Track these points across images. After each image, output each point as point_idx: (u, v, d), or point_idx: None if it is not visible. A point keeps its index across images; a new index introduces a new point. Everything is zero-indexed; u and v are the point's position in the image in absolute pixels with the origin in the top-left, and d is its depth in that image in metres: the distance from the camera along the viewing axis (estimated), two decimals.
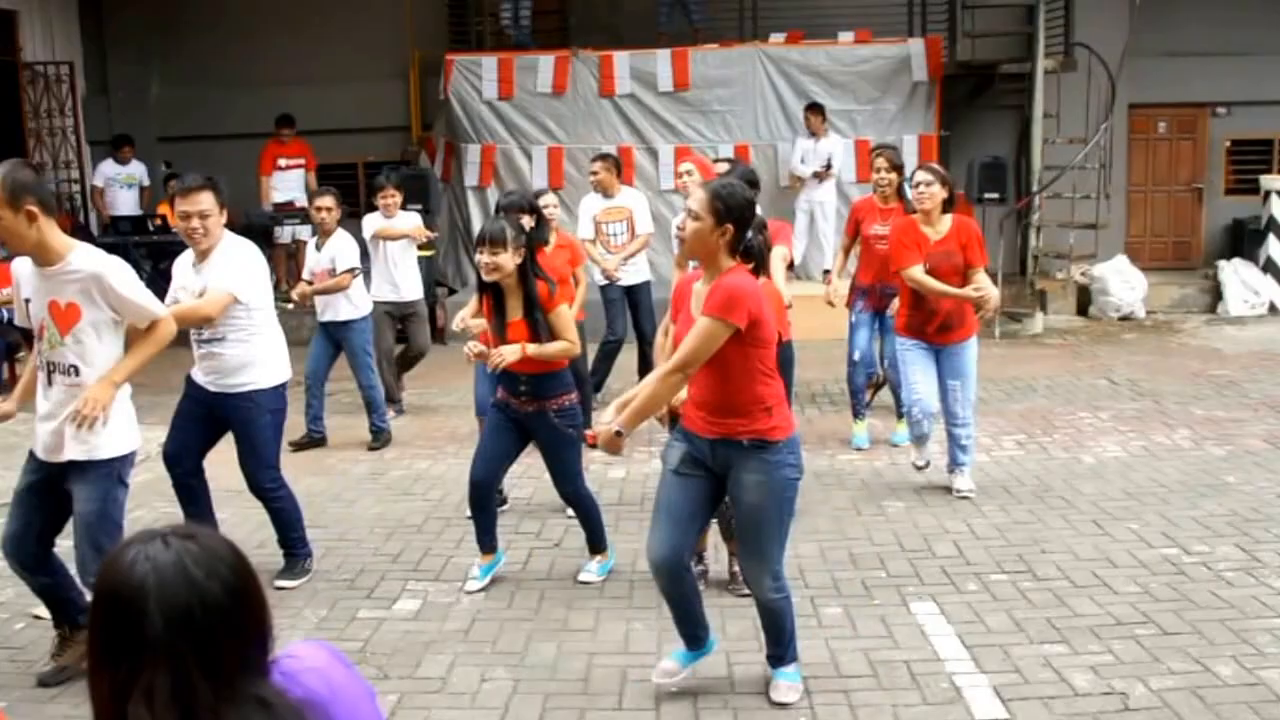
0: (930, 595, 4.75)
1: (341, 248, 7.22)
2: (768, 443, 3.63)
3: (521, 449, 4.98)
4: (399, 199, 8.08)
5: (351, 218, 7.42)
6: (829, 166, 10.96)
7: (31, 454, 4.09)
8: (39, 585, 4.16)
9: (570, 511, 5.71)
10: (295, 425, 7.26)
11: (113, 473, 3.96)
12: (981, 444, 6.94)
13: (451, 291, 11.56)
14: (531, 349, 4.64)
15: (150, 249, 11.04)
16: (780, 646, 3.91)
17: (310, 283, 7.23)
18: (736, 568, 4.81)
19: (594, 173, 8.02)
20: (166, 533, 1.40)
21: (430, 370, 8.40)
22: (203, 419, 4.90)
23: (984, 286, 5.74)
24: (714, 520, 4.69)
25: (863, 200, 7.11)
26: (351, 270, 7.19)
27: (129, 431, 4.02)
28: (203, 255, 4.70)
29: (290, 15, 12.98)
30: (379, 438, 7.35)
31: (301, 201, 11.73)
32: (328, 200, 7.25)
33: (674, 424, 4.04)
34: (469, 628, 4.55)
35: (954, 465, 6.08)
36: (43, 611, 4.66)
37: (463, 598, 4.84)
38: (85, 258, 3.85)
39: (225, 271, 4.65)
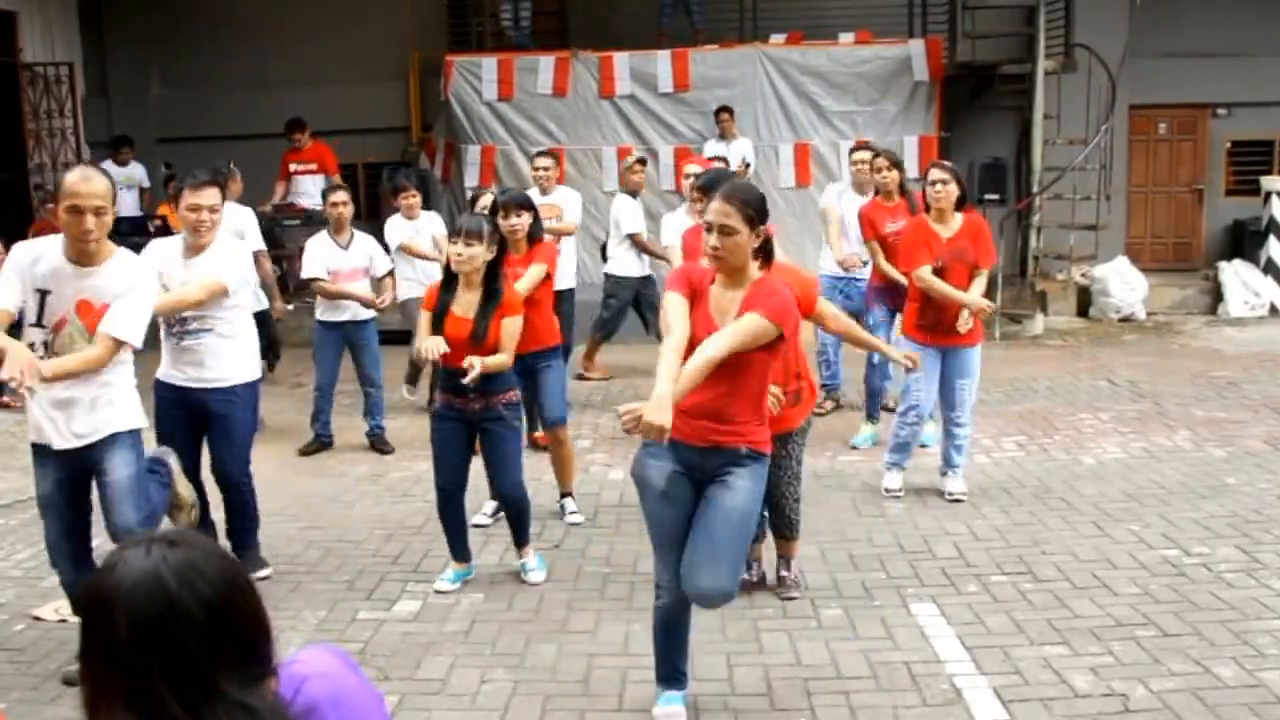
0: (930, 596, 4.75)
1: (375, 248, 7.28)
2: (760, 454, 3.59)
3: (473, 449, 4.97)
4: (419, 199, 8.19)
5: (353, 218, 7.39)
6: (747, 166, 10.80)
7: (44, 454, 4.01)
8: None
9: (569, 520, 5.72)
10: (304, 431, 7.33)
11: (138, 442, 4.10)
12: (982, 445, 6.94)
13: None
14: (490, 361, 4.65)
15: None
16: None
17: (324, 281, 7.09)
18: (785, 571, 4.86)
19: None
20: (153, 539, 1.37)
21: (427, 371, 8.38)
22: (185, 420, 4.87)
23: (979, 299, 5.78)
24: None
25: (868, 205, 7.08)
26: (390, 273, 7.34)
27: (139, 410, 4.14)
28: (197, 249, 4.75)
29: (290, 16, 12.97)
30: (379, 440, 7.35)
31: (306, 203, 11.56)
32: (343, 195, 7.24)
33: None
34: (469, 629, 4.54)
35: (947, 467, 6.06)
36: (42, 612, 4.67)
37: (462, 599, 4.83)
38: (129, 261, 3.95)
39: (219, 263, 4.71)
